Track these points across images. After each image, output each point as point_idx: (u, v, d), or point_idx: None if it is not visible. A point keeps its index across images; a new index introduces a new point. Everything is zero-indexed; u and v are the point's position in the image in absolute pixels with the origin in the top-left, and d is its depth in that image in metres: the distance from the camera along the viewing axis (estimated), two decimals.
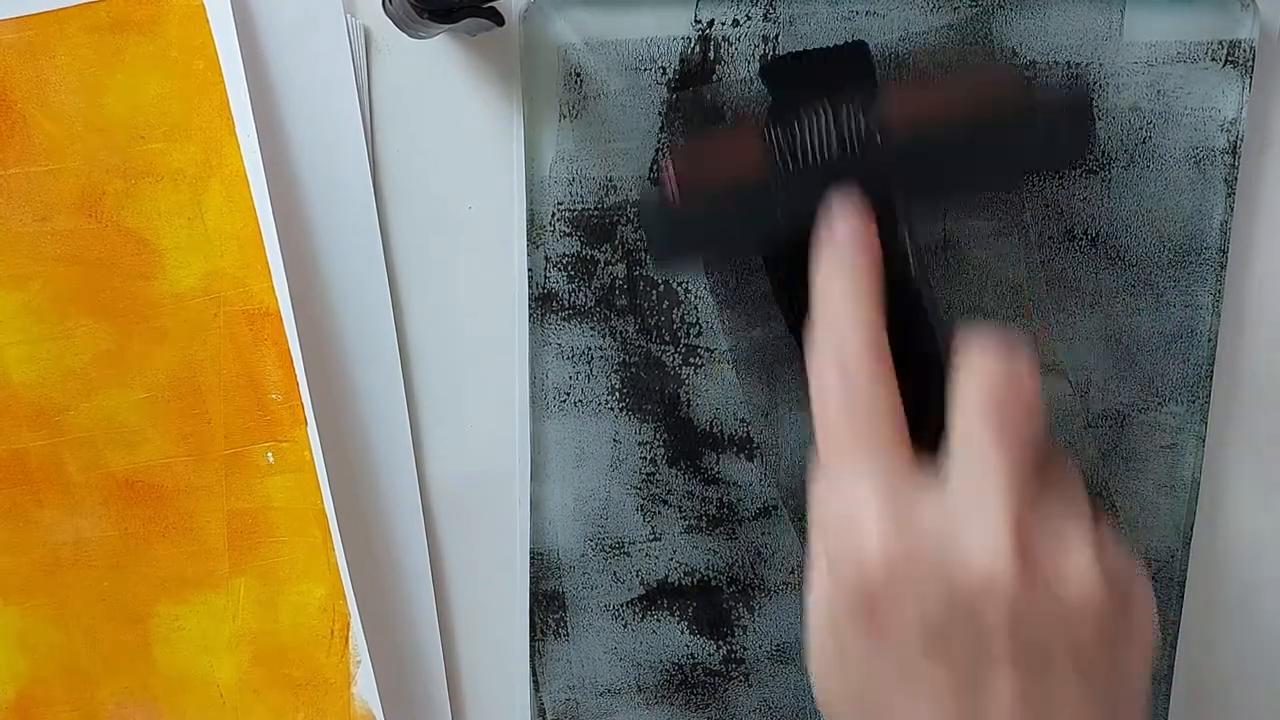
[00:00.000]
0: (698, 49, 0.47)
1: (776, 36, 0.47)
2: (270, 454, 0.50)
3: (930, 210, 0.41)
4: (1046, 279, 0.49)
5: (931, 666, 0.35)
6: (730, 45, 0.47)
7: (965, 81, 0.42)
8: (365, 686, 0.51)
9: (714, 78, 0.47)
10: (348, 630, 0.51)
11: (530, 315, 0.49)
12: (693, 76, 0.47)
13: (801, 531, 0.50)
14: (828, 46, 0.47)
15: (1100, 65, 0.47)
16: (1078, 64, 0.47)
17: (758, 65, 0.47)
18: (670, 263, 0.46)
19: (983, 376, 0.36)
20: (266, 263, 0.48)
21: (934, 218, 0.41)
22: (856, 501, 0.36)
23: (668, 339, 0.49)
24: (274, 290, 0.48)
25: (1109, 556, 0.35)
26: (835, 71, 0.47)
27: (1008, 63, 0.46)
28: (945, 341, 0.38)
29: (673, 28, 0.47)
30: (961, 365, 0.37)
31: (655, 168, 0.46)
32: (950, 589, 0.34)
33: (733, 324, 0.49)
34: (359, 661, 0.51)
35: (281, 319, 0.48)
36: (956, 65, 0.46)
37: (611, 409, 0.50)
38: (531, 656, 0.52)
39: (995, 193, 0.45)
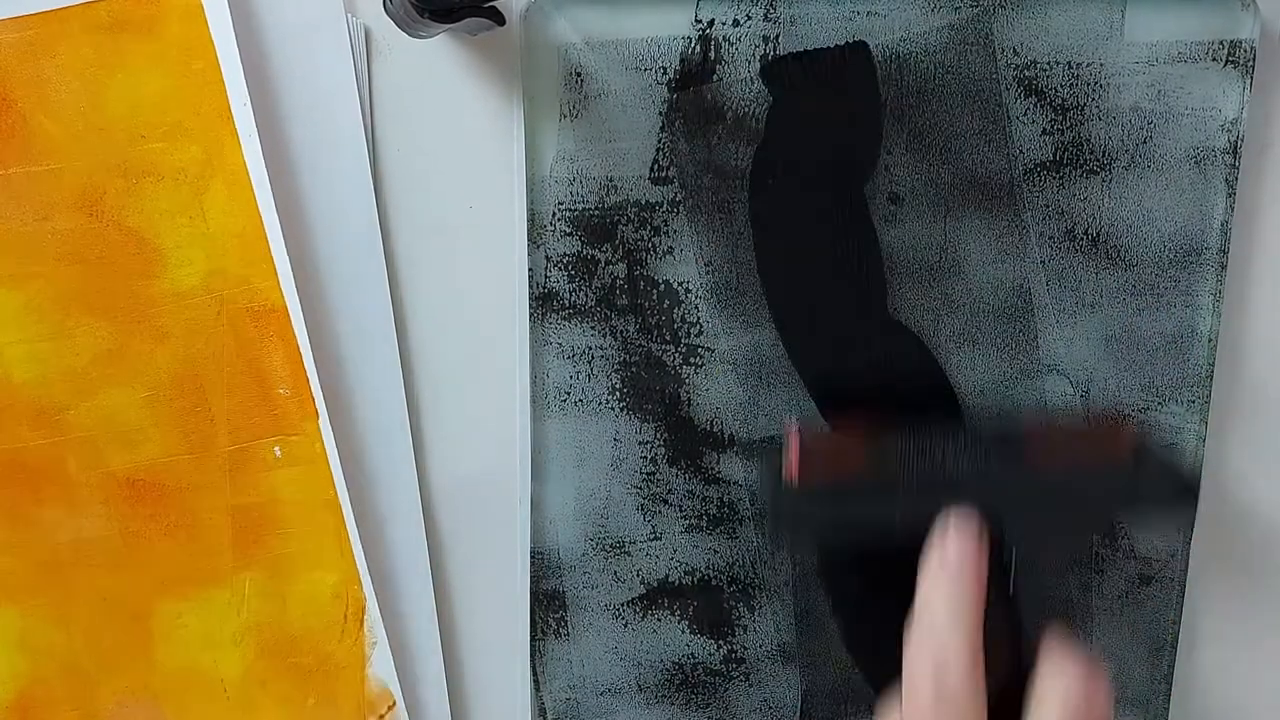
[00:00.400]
0: (698, 49, 0.47)
1: (777, 37, 0.47)
2: (278, 448, 0.50)
3: (1036, 543, 0.45)
4: (1047, 279, 0.49)
5: None
6: (731, 45, 0.47)
7: (1090, 436, 0.46)
8: (381, 666, 0.51)
9: (714, 77, 0.47)
10: (362, 614, 0.51)
11: (531, 315, 0.49)
12: (693, 76, 0.47)
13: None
14: (829, 47, 0.47)
15: (1101, 65, 0.47)
16: (1079, 64, 0.47)
17: (758, 66, 0.47)
18: (785, 539, 0.48)
19: (1066, 691, 0.40)
20: (270, 260, 0.48)
21: (1036, 549, 0.46)
22: None
23: (668, 338, 0.49)
24: (279, 287, 0.48)
25: None
26: (836, 72, 0.47)
27: (1128, 427, 0.49)
28: (1030, 649, 0.42)
29: (673, 27, 0.47)
30: (1046, 674, 0.40)
31: (785, 436, 0.47)
32: None
33: (729, 326, 0.49)
34: (374, 643, 0.51)
35: (288, 315, 0.48)
36: (1081, 427, 0.49)
37: (612, 408, 0.50)
38: (532, 656, 0.52)
39: (1095, 536, 0.49)
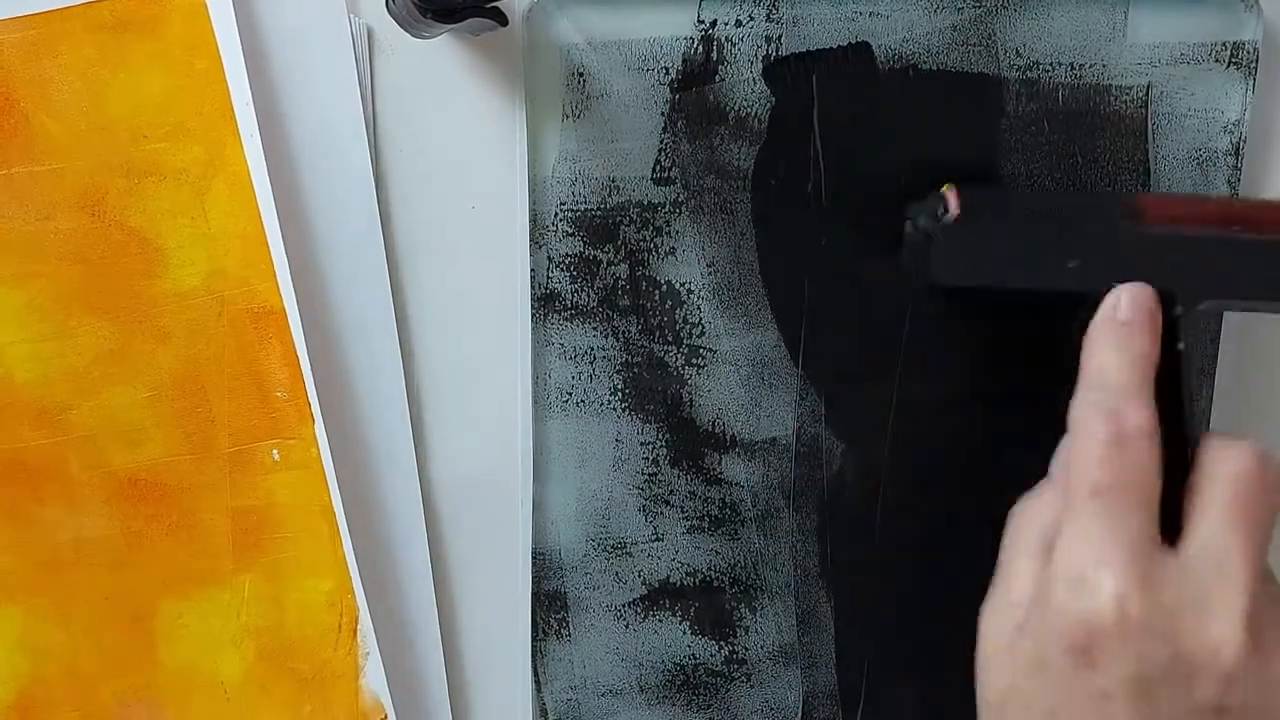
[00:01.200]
0: (700, 49, 0.47)
1: (780, 37, 0.47)
2: (276, 451, 0.50)
3: (1212, 315, 0.44)
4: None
5: (1129, 708, 0.37)
6: (733, 46, 0.47)
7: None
8: (374, 678, 0.51)
9: (717, 78, 0.47)
10: (356, 623, 0.51)
11: (533, 315, 0.49)
12: (696, 77, 0.47)
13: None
14: (831, 48, 0.47)
15: (1103, 66, 0.47)
16: (1081, 65, 0.47)
17: (760, 66, 0.47)
18: (938, 272, 0.45)
19: (1237, 471, 0.38)
20: (270, 261, 0.48)
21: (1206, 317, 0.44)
22: (1101, 555, 0.37)
23: (670, 339, 0.49)
24: (278, 289, 0.48)
25: None
26: (838, 73, 0.47)
27: None
28: (1195, 433, 0.41)
29: (675, 28, 0.47)
30: (1214, 456, 0.39)
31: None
32: (1174, 654, 0.37)
33: (731, 327, 0.49)
34: (368, 654, 0.51)
35: (286, 317, 0.48)
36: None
37: (614, 409, 0.50)
38: (533, 656, 0.52)
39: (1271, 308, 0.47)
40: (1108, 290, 0.42)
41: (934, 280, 0.44)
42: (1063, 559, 0.38)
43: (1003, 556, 0.42)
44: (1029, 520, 0.41)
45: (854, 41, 0.47)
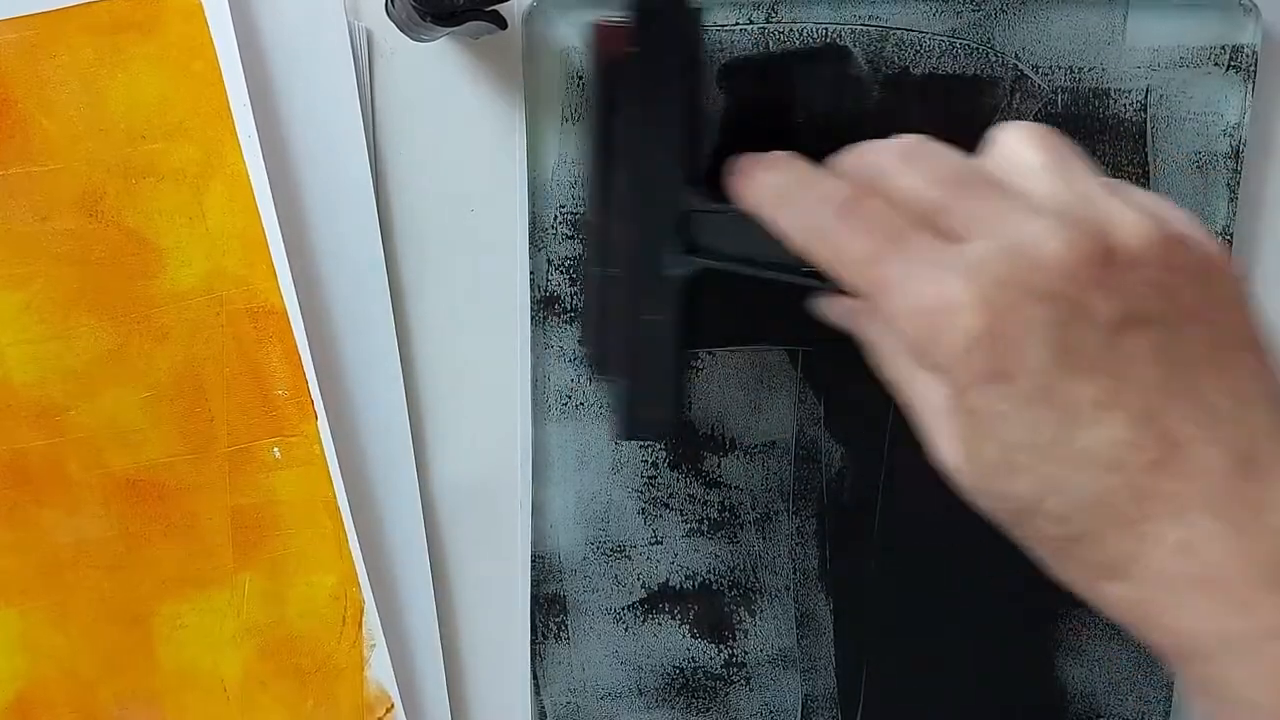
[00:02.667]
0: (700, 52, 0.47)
1: (780, 39, 0.47)
2: (276, 449, 0.50)
3: None
4: None
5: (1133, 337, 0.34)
6: (732, 47, 0.47)
7: None
8: (380, 669, 0.51)
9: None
10: (361, 615, 0.51)
11: (532, 318, 0.49)
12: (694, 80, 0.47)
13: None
14: (812, 48, 0.47)
15: (1103, 69, 0.47)
16: (1080, 68, 0.47)
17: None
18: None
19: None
20: (270, 261, 0.48)
21: None
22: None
23: None
24: (278, 288, 0.48)
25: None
26: (822, 74, 0.47)
27: None
28: None
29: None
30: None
31: None
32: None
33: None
34: (373, 645, 0.51)
35: (287, 316, 0.48)
36: None
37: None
38: (532, 659, 0.52)
39: None
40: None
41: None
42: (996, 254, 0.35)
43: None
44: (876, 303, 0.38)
45: (831, 43, 0.47)
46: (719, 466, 0.50)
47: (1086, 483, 0.34)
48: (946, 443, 0.37)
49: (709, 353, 0.49)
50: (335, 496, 0.50)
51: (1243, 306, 0.36)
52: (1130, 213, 0.35)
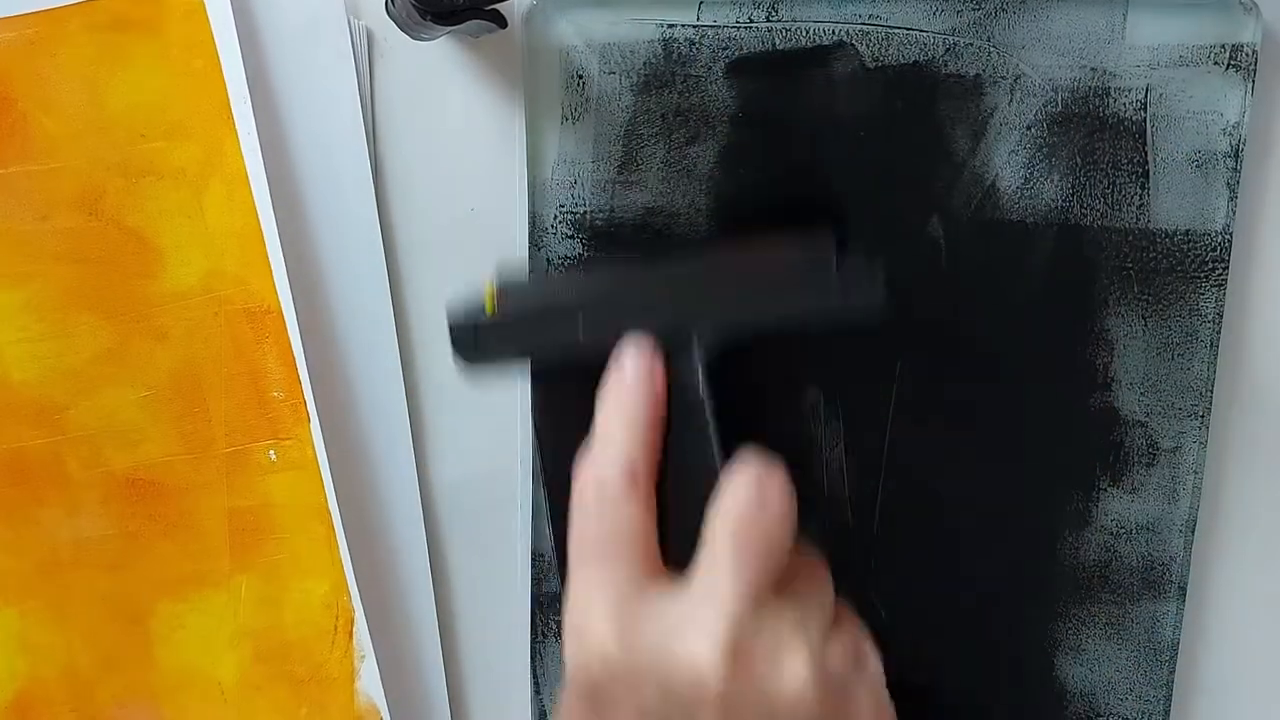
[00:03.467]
0: (701, 51, 0.47)
1: (780, 38, 0.47)
2: (272, 451, 0.50)
3: (722, 339, 0.43)
4: (1047, 282, 0.49)
5: None
6: (734, 47, 0.47)
7: (776, 239, 0.44)
8: (369, 682, 0.51)
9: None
10: (351, 626, 0.51)
11: None
12: (695, 79, 0.47)
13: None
14: (814, 47, 0.47)
15: (1102, 68, 0.47)
16: (1079, 67, 0.47)
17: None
18: (475, 366, 0.46)
19: (733, 500, 0.39)
20: (268, 261, 0.48)
21: (724, 344, 0.44)
22: (589, 609, 0.39)
23: None
24: (275, 289, 0.48)
25: (832, 659, 0.39)
26: (824, 73, 0.47)
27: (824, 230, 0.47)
28: (718, 469, 0.41)
29: (675, 31, 0.47)
30: (722, 488, 0.40)
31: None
32: (665, 689, 0.37)
33: None
34: (363, 657, 0.51)
35: (283, 317, 0.48)
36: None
37: None
38: (532, 658, 0.52)
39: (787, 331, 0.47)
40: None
41: (475, 362, 0.45)
42: (567, 617, 0.40)
43: None
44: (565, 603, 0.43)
45: (838, 41, 0.47)
46: None
47: None
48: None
49: None
50: (327, 502, 0.50)
51: None
52: (793, 662, 0.38)
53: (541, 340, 0.43)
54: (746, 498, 0.39)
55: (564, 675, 0.40)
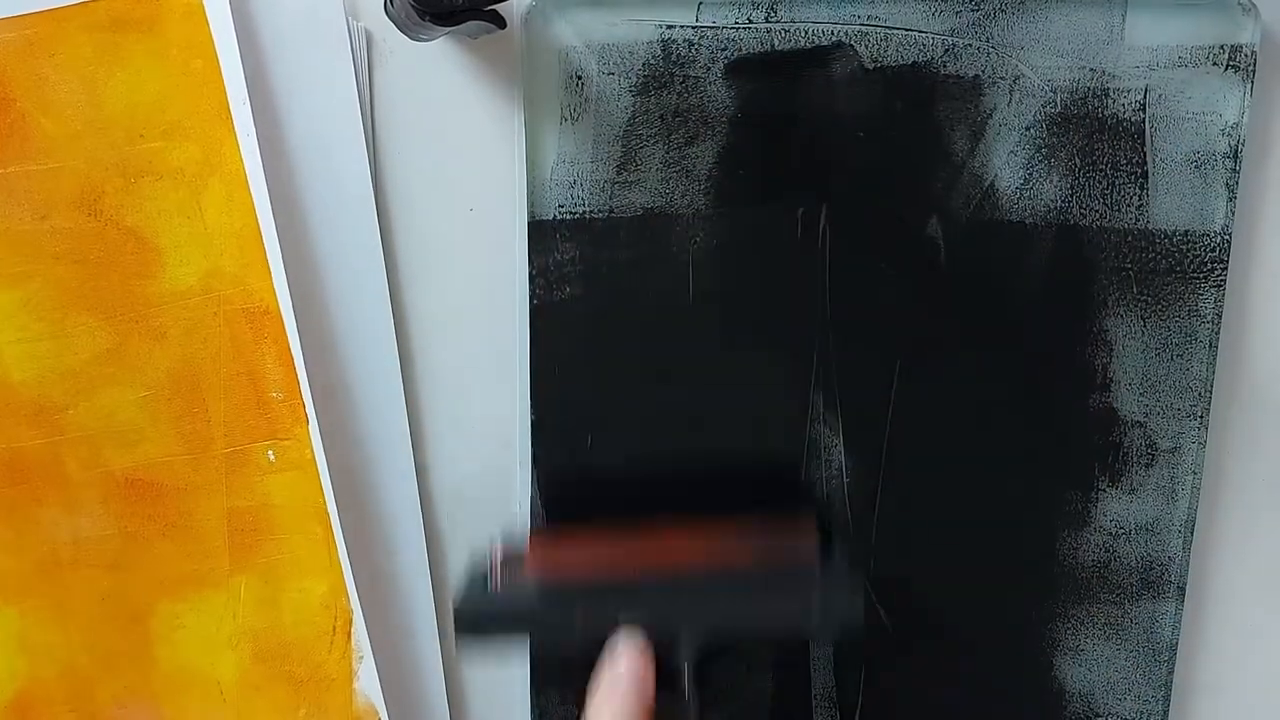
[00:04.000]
0: (700, 52, 0.47)
1: (780, 40, 0.47)
2: (271, 452, 0.49)
3: (707, 644, 0.45)
4: (1046, 283, 0.49)
5: None
6: (733, 47, 0.47)
7: (763, 532, 0.47)
8: (367, 682, 0.51)
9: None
10: (350, 626, 0.51)
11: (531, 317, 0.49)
12: (694, 79, 0.47)
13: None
14: (814, 47, 0.47)
15: (1101, 69, 0.47)
16: (1078, 68, 0.47)
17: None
18: (474, 642, 0.47)
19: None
20: (266, 261, 0.48)
21: (708, 647, 0.46)
22: None
23: None
24: (274, 289, 0.48)
25: None
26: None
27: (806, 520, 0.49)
28: None
29: (674, 31, 0.47)
30: None
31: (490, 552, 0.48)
32: None
33: None
34: (361, 657, 0.51)
35: (282, 317, 0.48)
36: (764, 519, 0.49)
37: None
38: (531, 658, 0.52)
39: (773, 640, 0.50)
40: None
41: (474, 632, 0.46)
42: None
43: None
44: None
45: (836, 42, 0.47)
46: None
47: None
48: None
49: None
50: (325, 503, 0.50)
51: None
52: None
53: (539, 627, 0.46)
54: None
55: None
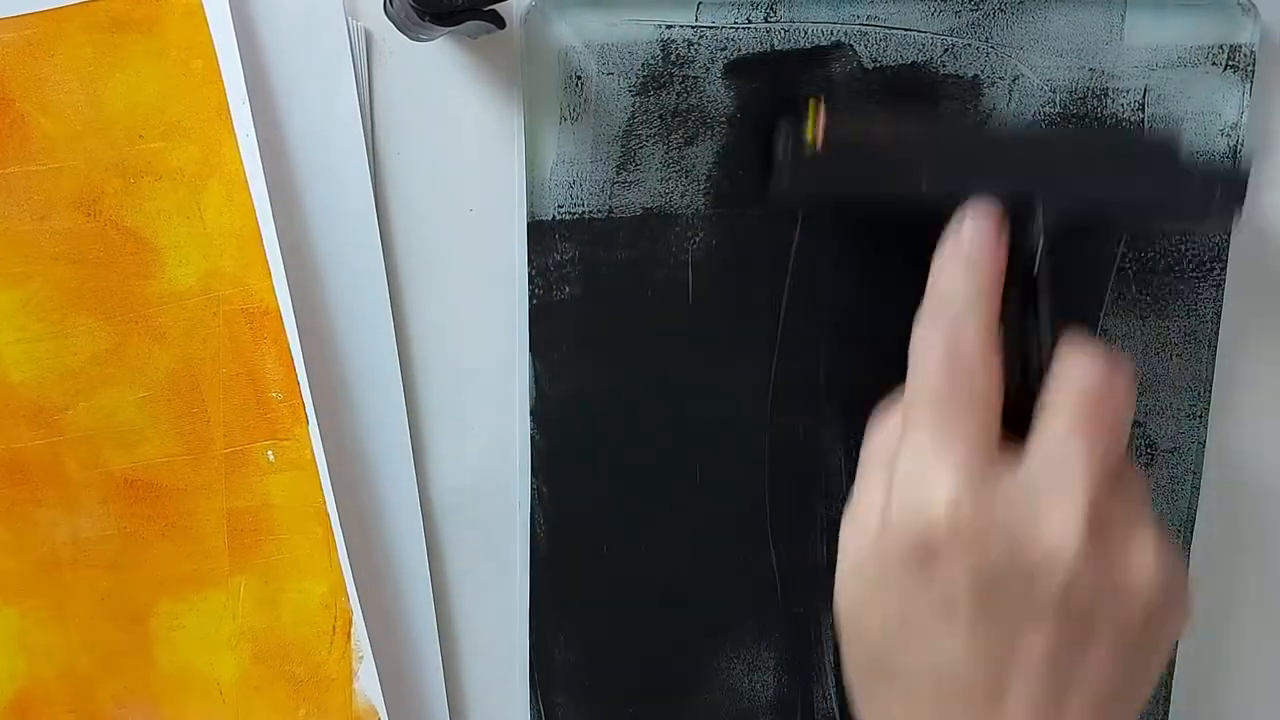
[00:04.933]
0: (699, 52, 0.47)
1: (779, 39, 0.47)
2: (271, 452, 0.50)
3: (1067, 216, 0.42)
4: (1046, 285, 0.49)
5: (972, 611, 0.38)
6: (733, 47, 0.47)
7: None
8: (367, 682, 0.51)
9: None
10: (350, 627, 0.51)
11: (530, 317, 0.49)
12: (694, 79, 0.47)
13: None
14: (815, 46, 0.47)
15: (1101, 69, 0.47)
16: (1077, 68, 0.47)
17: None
18: (793, 198, 0.44)
19: (1084, 379, 0.39)
20: (266, 262, 0.48)
21: (1067, 221, 0.42)
22: (936, 462, 0.38)
23: None
24: (274, 289, 0.48)
25: (1169, 552, 0.39)
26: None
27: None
28: (1050, 344, 0.41)
29: (674, 31, 0.47)
30: (1064, 366, 0.40)
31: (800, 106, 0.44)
32: (1013, 554, 0.37)
33: None
34: (361, 658, 0.51)
35: (282, 318, 0.48)
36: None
37: None
38: (531, 658, 0.52)
39: (1131, 221, 0.46)
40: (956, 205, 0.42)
41: (791, 201, 0.44)
42: (901, 469, 0.39)
43: (859, 469, 0.42)
44: (880, 432, 0.42)
45: (836, 42, 0.47)
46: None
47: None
48: (849, 564, 0.41)
49: None
50: (326, 503, 0.50)
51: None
52: (1144, 550, 0.39)
53: (878, 186, 0.42)
54: (1098, 377, 0.39)
55: (863, 527, 0.40)
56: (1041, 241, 0.41)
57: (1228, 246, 0.48)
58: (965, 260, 0.40)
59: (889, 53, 0.47)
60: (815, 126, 0.42)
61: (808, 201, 0.44)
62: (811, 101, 0.43)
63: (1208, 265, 0.49)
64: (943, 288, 0.41)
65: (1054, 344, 0.41)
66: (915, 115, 0.45)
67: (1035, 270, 0.41)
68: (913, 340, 0.41)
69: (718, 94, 0.47)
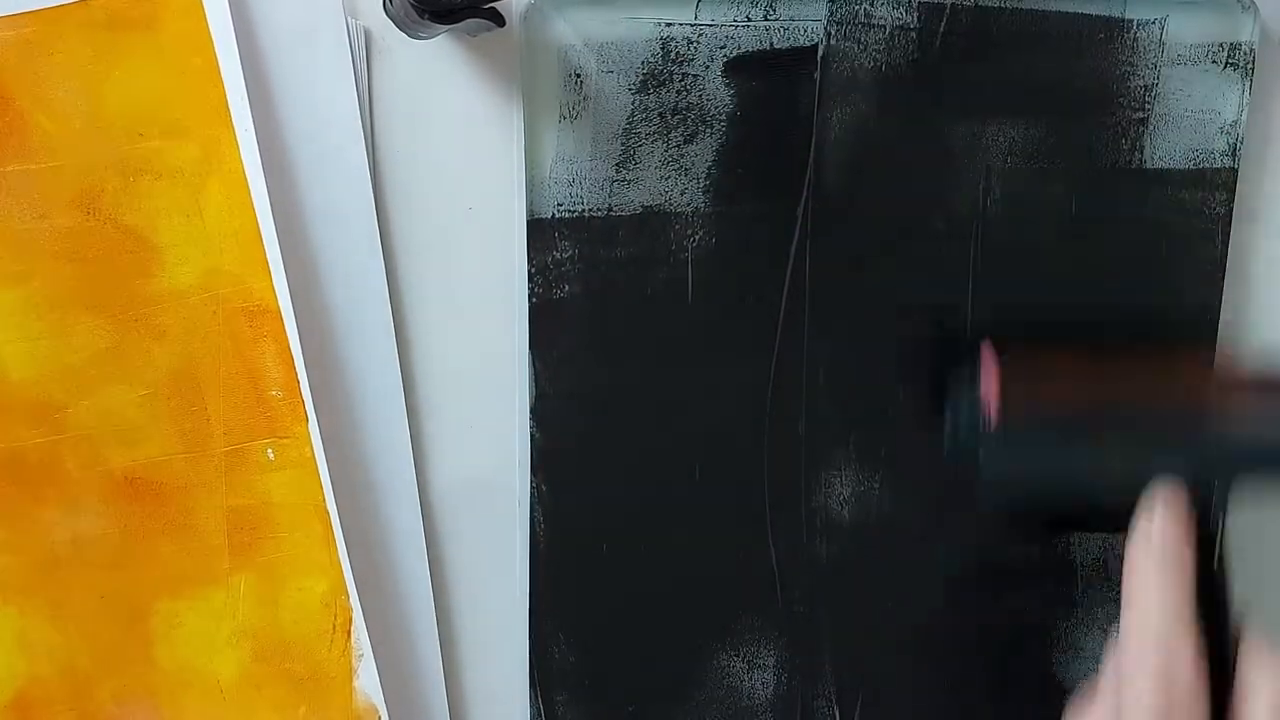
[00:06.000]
0: (699, 50, 0.47)
1: (779, 37, 0.47)
2: (270, 450, 0.50)
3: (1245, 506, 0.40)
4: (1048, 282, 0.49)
5: None
6: (733, 46, 0.47)
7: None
8: (367, 680, 0.51)
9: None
10: (349, 625, 0.51)
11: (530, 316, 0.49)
12: (693, 77, 0.47)
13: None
14: (808, 45, 0.47)
15: (1101, 68, 0.47)
16: (1079, 65, 0.47)
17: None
18: (999, 501, 0.41)
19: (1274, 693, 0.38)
20: (265, 260, 0.48)
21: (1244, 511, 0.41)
22: None
23: None
24: (273, 288, 0.48)
25: None
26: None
27: None
28: (1235, 630, 0.40)
29: (673, 29, 0.47)
30: (1256, 674, 0.39)
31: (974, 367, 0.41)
32: None
33: None
34: (361, 655, 0.51)
35: (281, 316, 0.48)
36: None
37: None
38: (531, 657, 0.52)
39: None
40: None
41: (990, 499, 0.41)
42: None
43: None
44: None
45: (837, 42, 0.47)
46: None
47: None
48: None
49: None
50: (325, 501, 0.50)
51: None
52: None
53: (1058, 473, 0.39)
54: None
55: None
56: (1222, 527, 0.40)
57: (1228, 241, 0.48)
58: (1160, 565, 0.39)
59: (887, 51, 0.47)
60: (988, 402, 0.39)
61: (1005, 498, 0.41)
62: (981, 360, 0.39)
63: (1207, 258, 0.49)
64: (1141, 593, 0.39)
65: (1235, 638, 0.40)
66: (1089, 374, 0.41)
67: (1217, 557, 0.39)
68: (1121, 654, 0.39)
69: (717, 92, 0.47)
